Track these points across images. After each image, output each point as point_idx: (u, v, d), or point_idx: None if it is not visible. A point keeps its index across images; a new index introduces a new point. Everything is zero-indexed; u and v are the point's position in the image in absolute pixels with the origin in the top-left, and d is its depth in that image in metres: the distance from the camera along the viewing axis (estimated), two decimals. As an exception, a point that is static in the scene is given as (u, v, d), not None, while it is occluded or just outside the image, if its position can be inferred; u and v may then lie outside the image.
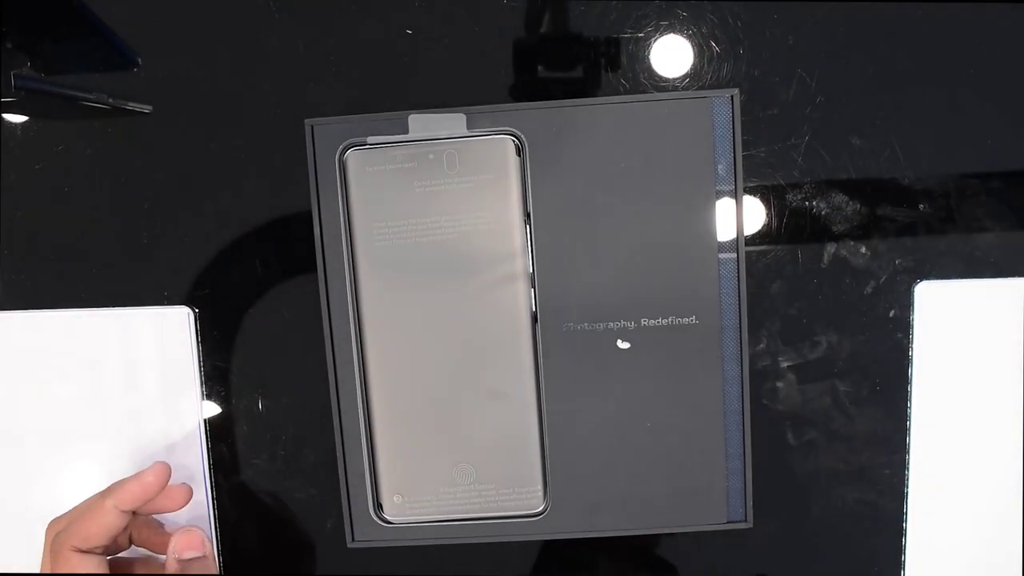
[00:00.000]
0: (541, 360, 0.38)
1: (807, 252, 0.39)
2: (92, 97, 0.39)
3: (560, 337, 0.38)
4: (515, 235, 0.37)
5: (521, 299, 0.37)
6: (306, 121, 0.37)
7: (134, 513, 0.36)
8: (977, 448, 0.39)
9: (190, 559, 0.36)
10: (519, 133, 0.37)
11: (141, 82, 0.39)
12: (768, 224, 0.39)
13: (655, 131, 0.37)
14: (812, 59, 0.38)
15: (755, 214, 0.38)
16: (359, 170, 0.37)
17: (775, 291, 0.39)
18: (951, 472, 0.39)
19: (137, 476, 0.36)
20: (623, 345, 0.38)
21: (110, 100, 0.39)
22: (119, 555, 0.38)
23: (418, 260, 0.37)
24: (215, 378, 0.40)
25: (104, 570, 0.34)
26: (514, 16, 0.38)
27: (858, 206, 0.38)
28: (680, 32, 0.38)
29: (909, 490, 0.39)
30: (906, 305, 0.39)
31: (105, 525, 0.34)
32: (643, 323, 0.37)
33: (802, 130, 0.38)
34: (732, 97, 0.37)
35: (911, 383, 0.39)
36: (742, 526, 0.39)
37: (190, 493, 0.37)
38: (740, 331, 0.38)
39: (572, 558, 0.40)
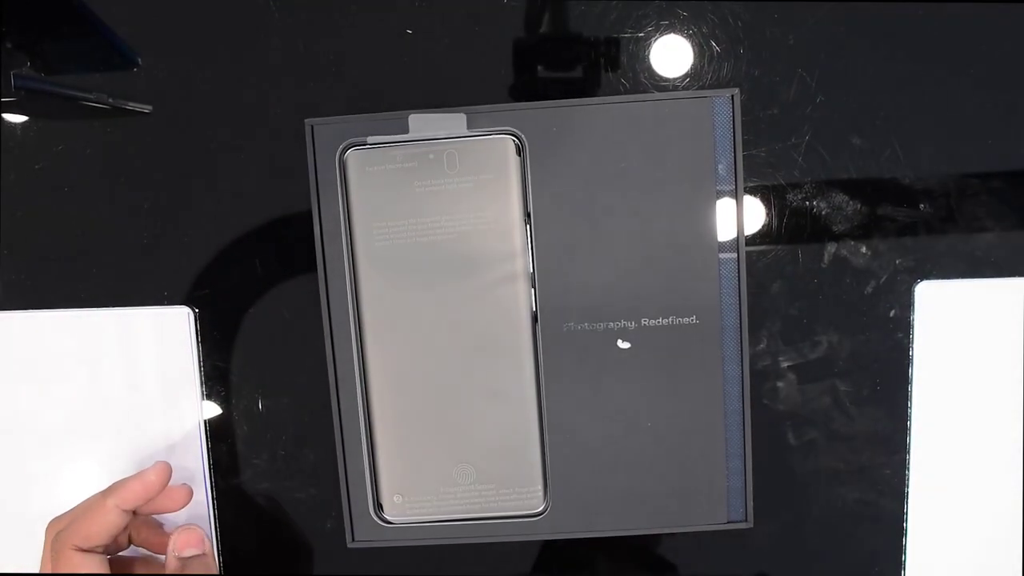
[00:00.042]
0: (541, 360, 0.38)
1: (807, 252, 0.38)
2: (92, 97, 0.39)
3: (560, 337, 0.38)
4: (515, 235, 0.37)
5: (521, 299, 0.37)
6: (306, 121, 0.37)
7: (134, 513, 0.36)
8: (978, 448, 0.39)
9: (190, 557, 0.37)
10: (519, 133, 0.37)
11: (141, 82, 0.39)
12: (768, 224, 0.39)
13: (655, 131, 0.37)
14: (812, 59, 0.38)
15: (755, 214, 0.38)
16: (359, 170, 0.37)
17: (775, 291, 0.39)
18: (951, 472, 0.39)
19: (139, 475, 0.36)
20: (623, 345, 0.38)
21: (110, 100, 0.39)
22: (119, 554, 0.38)
23: (418, 260, 0.37)
24: (215, 378, 0.40)
25: (105, 569, 0.35)
26: (514, 16, 0.38)
27: (858, 206, 0.38)
28: (680, 32, 0.38)
29: (909, 490, 0.39)
30: (906, 305, 0.39)
31: (106, 524, 0.34)
32: (643, 323, 0.37)
33: (802, 130, 0.38)
34: (732, 97, 0.37)
35: (911, 383, 0.39)
36: (742, 526, 0.39)
37: (190, 493, 0.38)
38: (740, 331, 0.38)
39: (572, 558, 0.40)
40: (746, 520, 0.39)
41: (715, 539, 0.40)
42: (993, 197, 0.38)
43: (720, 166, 0.37)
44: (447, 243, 0.37)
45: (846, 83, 0.38)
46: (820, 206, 0.38)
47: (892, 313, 0.39)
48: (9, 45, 0.39)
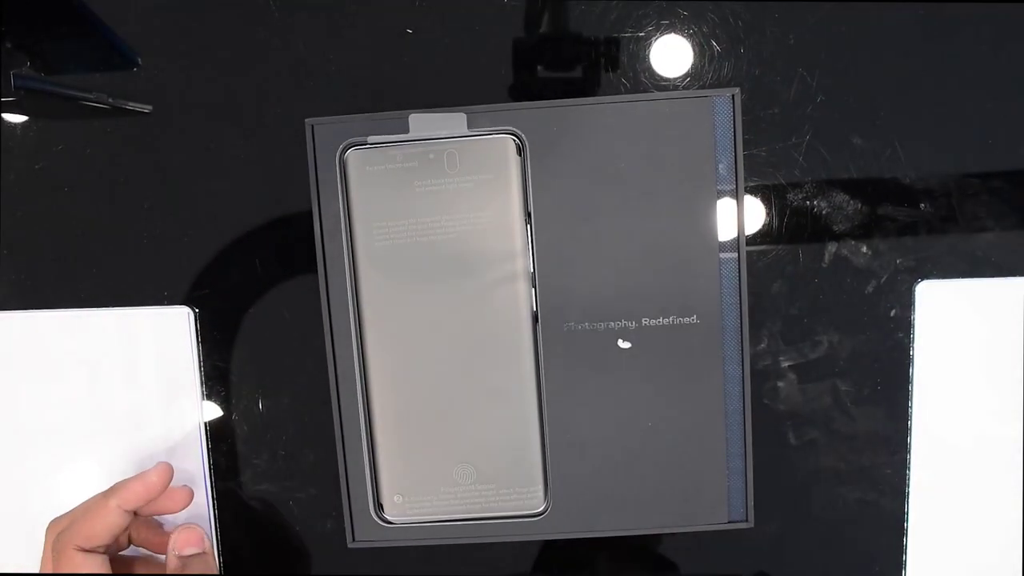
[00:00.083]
0: (542, 360, 0.38)
1: (808, 251, 0.38)
2: (92, 97, 0.39)
3: (561, 337, 0.38)
4: (516, 235, 0.37)
5: (522, 299, 0.37)
6: (306, 121, 0.37)
7: (135, 513, 0.36)
8: (978, 448, 0.39)
9: (190, 556, 0.37)
10: (520, 133, 0.37)
11: (141, 82, 0.39)
12: (769, 223, 0.38)
13: (656, 130, 0.37)
14: (813, 58, 0.38)
15: (756, 213, 0.38)
16: (359, 170, 0.37)
17: (776, 291, 0.39)
18: (952, 472, 0.39)
19: (141, 476, 0.36)
20: (624, 345, 0.38)
21: (110, 100, 0.39)
22: (120, 554, 0.38)
23: (418, 260, 0.37)
24: (215, 378, 0.40)
25: (106, 569, 0.35)
26: (514, 16, 0.38)
27: (859, 205, 0.38)
28: (681, 31, 0.38)
29: (910, 490, 0.39)
30: (907, 304, 0.39)
31: (108, 524, 0.34)
32: (644, 323, 0.37)
33: (803, 129, 0.38)
34: (733, 96, 0.37)
35: (912, 383, 0.39)
36: (743, 526, 0.39)
37: (191, 495, 0.38)
38: (741, 331, 0.38)
39: (572, 557, 0.40)
40: (747, 520, 0.39)
41: (716, 538, 0.39)
42: (993, 197, 0.38)
43: (720, 166, 0.37)
44: (447, 243, 0.37)
45: (846, 83, 0.38)
46: (821, 206, 0.38)
47: (893, 313, 0.39)
48: (9, 45, 0.39)
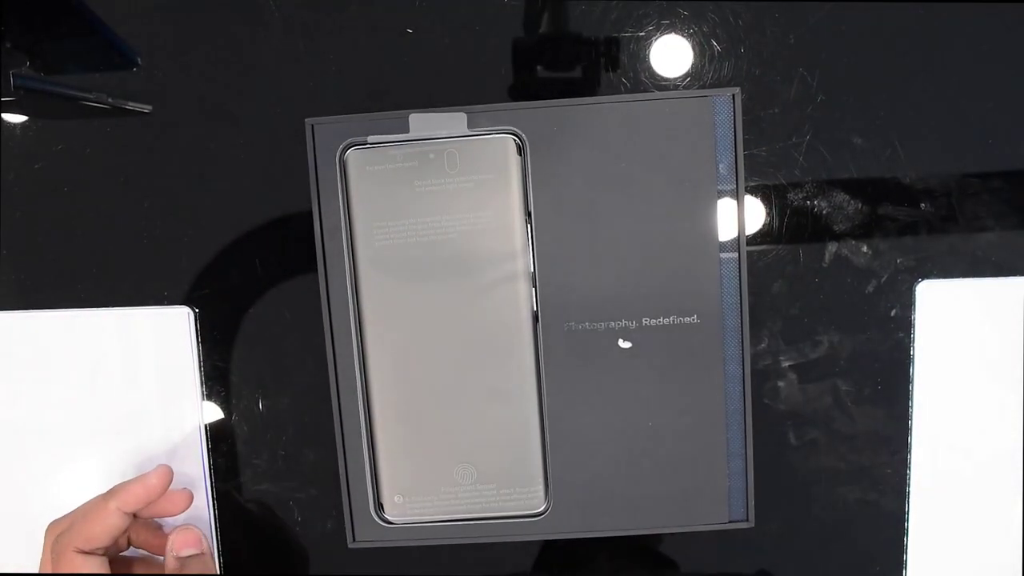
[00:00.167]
0: (542, 360, 0.38)
1: (808, 251, 0.38)
2: (92, 97, 0.39)
3: (561, 337, 0.38)
4: (516, 234, 0.37)
5: (522, 298, 0.37)
6: (306, 121, 0.37)
7: (135, 516, 0.36)
8: (978, 447, 0.39)
9: (188, 557, 0.37)
10: (520, 132, 0.37)
11: (141, 82, 0.39)
12: (769, 223, 0.38)
13: (656, 130, 0.37)
14: (813, 58, 0.38)
15: (756, 213, 0.38)
16: (359, 169, 0.37)
17: (776, 290, 0.39)
18: (953, 471, 0.39)
19: (140, 478, 0.36)
20: (624, 344, 0.38)
21: (110, 100, 0.39)
22: (119, 555, 0.38)
23: (419, 260, 0.37)
24: (215, 378, 0.40)
25: (106, 570, 0.35)
26: (514, 16, 0.38)
27: (859, 205, 0.38)
28: (681, 31, 0.38)
29: (911, 489, 0.39)
30: (907, 304, 0.39)
31: (108, 527, 0.34)
32: (644, 322, 0.37)
33: (803, 129, 0.38)
34: (733, 96, 0.37)
35: (912, 382, 0.39)
36: (744, 526, 0.39)
37: (191, 498, 0.38)
38: (741, 330, 0.38)
39: (573, 556, 0.40)
40: (747, 520, 0.39)
41: (716, 538, 0.39)
42: (994, 196, 0.38)
43: (721, 165, 0.37)
44: (447, 243, 0.37)
45: (846, 83, 0.38)
46: (821, 205, 0.38)
47: (893, 312, 0.39)
48: (9, 45, 0.39)
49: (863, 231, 0.38)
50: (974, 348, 0.39)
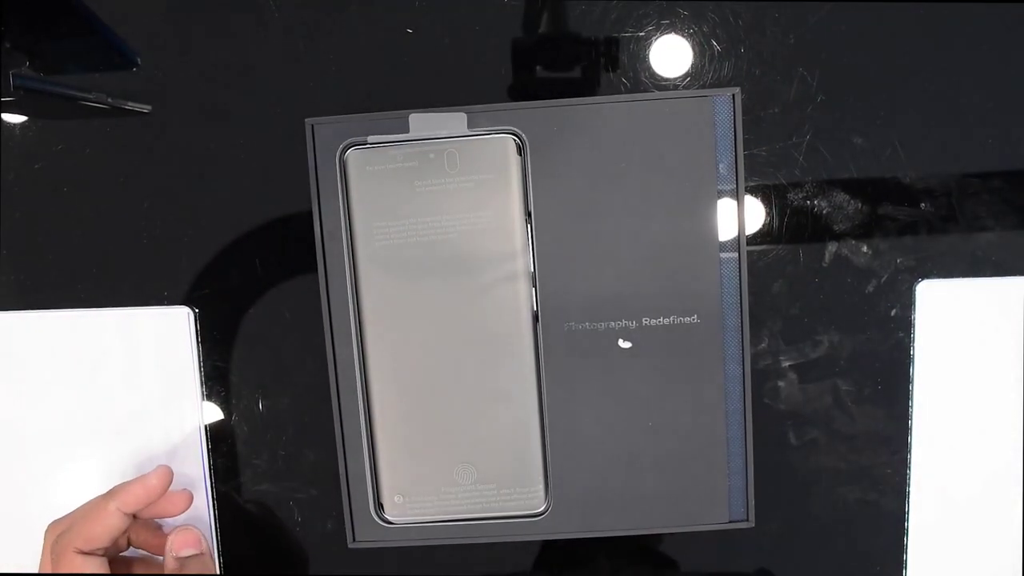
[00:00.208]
0: (542, 360, 0.38)
1: (808, 251, 0.38)
2: (91, 97, 0.39)
3: (561, 336, 0.38)
4: (516, 234, 0.37)
5: (522, 298, 0.37)
6: (306, 121, 0.37)
7: (134, 516, 0.36)
8: (978, 447, 0.39)
9: (188, 557, 0.37)
10: (520, 132, 0.37)
11: (140, 82, 0.39)
12: (769, 223, 0.38)
13: (656, 130, 0.37)
14: (813, 58, 0.38)
15: (756, 213, 0.38)
16: (359, 169, 0.37)
17: (776, 290, 0.39)
18: (953, 471, 0.39)
19: (141, 479, 0.36)
20: (625, 344, 0.38)
21: (109, 100, 0.39)
22: (119, 555, 0.38)
23: (419, 260, 0.37)
24: (215, 378, 0.40)
25: (106, 571, 0.35)
26: (514, 16, 0.38)
27: (859, 205, 0.38)
28: (681, 31, 0.38)
29: (911, 489, 0.39)
30: (907, 304, 0.39)
31: (108, 527, 0.35)
32: (645, 322, 0.37)
33: (803, 129, 0.38)
34: (733, 96, 0.37)
35: (912, 382, 0.39)
36: (744, 525, 0.39)
37: (191, 499, 0.38)
38: (742, 330, 0.38)
39: (573, 555, 0.40)
40: (747, 520, 0.39)
41: (716, 537, 0.39)
42: (994, 196, 0.38)
43: (721, 165, 0.37)
44: (448, 243, 0.37)
45: (846, 82, 0.38)
46: (821, 205, 0.38)
47: (893, 312, 0.39)
48: (9, 45, 0.39)
49: (863, 231, 0.38)
50: (974, 348, 0.39)
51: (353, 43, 0.38)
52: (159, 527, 0.39)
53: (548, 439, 0.38)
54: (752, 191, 0.38)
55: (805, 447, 0.39)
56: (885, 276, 0.39)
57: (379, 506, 0.39)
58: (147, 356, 0.39)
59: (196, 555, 0.37)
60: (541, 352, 0.38)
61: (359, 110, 0.38)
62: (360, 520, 0.39)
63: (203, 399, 0.40)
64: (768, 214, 0.38)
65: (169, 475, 0.36)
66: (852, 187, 0.38)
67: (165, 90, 0.39)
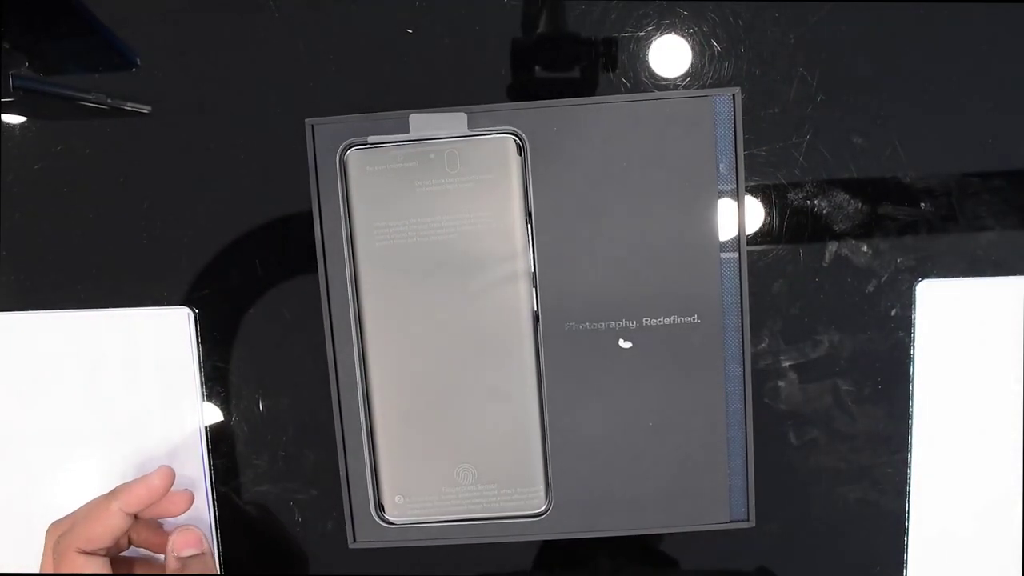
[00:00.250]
0: (543, 360, 0.38)
1: (809, 251, 0.38)
2: (91, 97, 0.39)
3: (562, 336, 0.38)
4: (516, 235, 0.37)
5: (522, 298, 0.37)
6: (306, 121, 0.37)
7: (136, 516, 0.36)
8: (979, 446, 0.39)
9: (189, 557, 0.37)
10: (520, 132, 0.37)
11: (140, 82, 0.39)
12: (769, 223, 0.39)
13: (656, 130, 0.37)
14: (813, 58, 0.38)
15: (756, 213, 0.38)
16: (360, 170, 0.37)
17: (777, 290, 0.39)
18: (953, 471, 0.39)
19: (143, 479, 0.36)
20: (625, 344, 0.38)
21: (109, 100, 0.39)
22: (120, 555, 0.38)
23: (419, 260, 0.37)
24: (215, 379, 0.40)
25: (107, 571, 0.35)
26: (514, 16, 0.38)
27: (859, 205, 0.38)
28: (681, 31, 0.38)
29: (911, 489, 0.39)
30: (908, 304, 0.39)
31: (110, 527, 0.35)
32: (645, 322, 0.37)
33: (803, 129, 0.38)
34: (733, 96, 0.37)
35: (913, 382, 0.39)
36: (744, 525, 0.39)
37: (192, 499, 0.38)
38: (742, 330, 0.38)
39: (573, 555, 0.40)
40: (748, 519, 0.39)
41: (716, 537, 0.39)
42: (994, 196, 0.38)
43: (721, 165, 0.37)
44: (448, 243, 0.37)
45: (846, 82, 0.38)
46: (821, 205, 0.38)
47: (893, 312, 0.39)
48: (8, 45, 0.38)
49: (863, 231, 0.38)
50: (974, 348, 0.39)
51: (353, 43, 0.38)
52: (160, 525, 0.39)
53: (548, 439, 0.38)
54: (752, 191, 0.38)
55: (805, 447, 0.39)
56: (885, 276, 0.39)
57: (379, 506, 0.39)
58: (147, 357, 0.39)
59: (198, 555, 0.37)
60: (541, 352, 0.38)
61: (359, 110, 0.38)
62: (360, 520, 0.39)
63: (203, 400, 0.40)
64: (768, 214, 0.38)
65: (171, 475, 0.36)
66: (852, 187, 0.38)
67: (165, 90, 0.39)
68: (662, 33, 0.38)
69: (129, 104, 0.39)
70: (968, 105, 0.38)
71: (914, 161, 0.38)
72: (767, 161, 0.38)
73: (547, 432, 0.38)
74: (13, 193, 0.39)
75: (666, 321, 0.37)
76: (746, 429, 0.38)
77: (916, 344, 0.39)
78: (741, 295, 0.37)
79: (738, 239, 0.37)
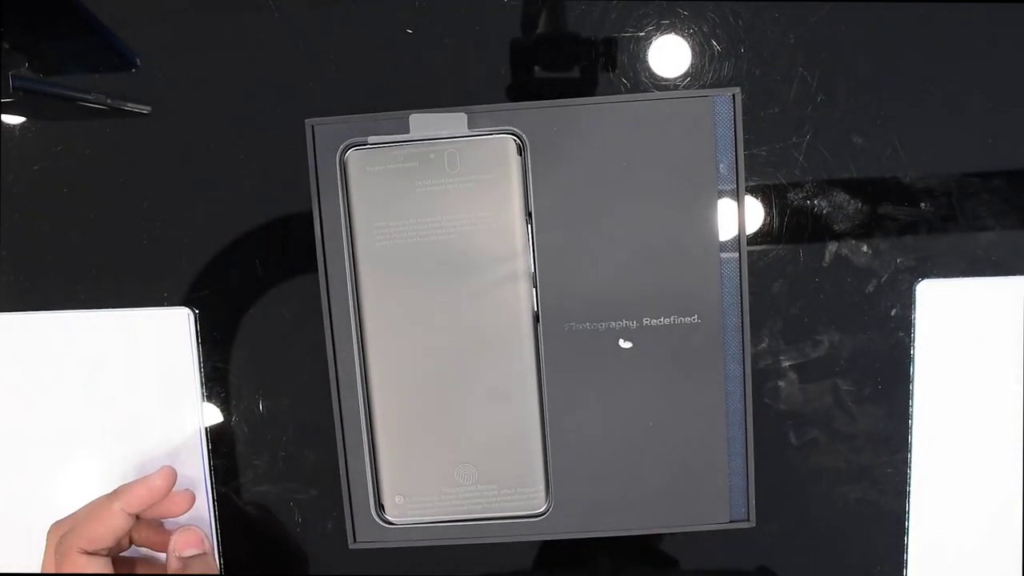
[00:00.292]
0: (543, 360, 0.38)
1: (809, 251, 0.39)
2: (91, 97, 0.39)
3: (562, 337, 0.38)
4: (516, 235, 0.37)
5: (523, 299, 0.37)
6: (306, 121, 0.37)
7: (137, 516, 0.36)
8: (979, 446, 0.39)
9: (190, 556, 0.37)
10: (520, 132, 0.37)
11: (140, 82, 0.39)
12: (769, 223, 0.39)
13: (656, 130, 0.37)
14: (813, 58, 0.38)
15: (756, 213, 0.38)
16: (360, 170, 0.37)
17: (777, 290, 0.39)
18: (953, 470, 0.39)
19: (144, 480, 0.36)
20: (625, 344, 0.38)
21: (109, 100, 0.39)
22: (121, 555, 0.38)
23: (419, 260, 0.37)
24: (215, 379, 0.40)
25: (109, 570, 0.35)
26: (514, 16, 0.38)
27: (859, 205, 0.38)
28: (681, 31, 0.38)
29: (911, 489, 0.39)
30: (908, 304, 0.39)
31: (112, 527, 0.35)
32: (645, 322, 0.37)
33: (803, 129, 0.38)
34: (733, 96, 0.37)
35: (913, 382, 0.39)
36: (744, 525, 0.39)
37: (193, 499, 0.38)
38: (742, 330, 0.38)
39: (573, 554, 0.40)
40: (748, 519, 0.39)
41: (716, 536, 0.39)
42: (994, 196, 0.38)
43: (721, 165, 0.37)
44: (448, 243, 0.37)
45: (847, 82, 0.38)
46: (821, 205, 0.38)
47: (893, 312, 0.39)
48: (8, 45, 0.38)
49: (863, 231, 0.38)
50: (974, 348, 0.39)
51: (353, 43, 0.38)
52: (161, 524, 0.39)
53: (549, 439, 0.38)
54: (752, 191, 0.38)
55: (805, 447, 0.39)
56: (885, 276, 0.39)
57: (380, 506, 0.39)
58: (147, 357, 0.39)
59: (199, 555, 0.37)
60: (542, 352, 0.38)
61: (359, 110, 0.38)
62: (361, 521, 0.39)
63: (203, 400, 0.40)
64: (768, 214, 0.38)
65: (173, 476, 0.36)
66: (852, 187, 0.38)
67: (165, 90, 0.39)
68: (662, 33, 0.38)
69: (129, 104, 0.39)
70: (968, 105, 0.38)
71: (914, 161, 0.38)
72: (767, 161, 0.38)
73: (547, 432, 0.38)
74: (13, 193, 0.39)
75: (666, 321, 0.37)
76: (746, 429, 0.38)
77: (916, 344, 0.39)
78: (741, 295, 0.37)
79: (738, 239, 0.37)
